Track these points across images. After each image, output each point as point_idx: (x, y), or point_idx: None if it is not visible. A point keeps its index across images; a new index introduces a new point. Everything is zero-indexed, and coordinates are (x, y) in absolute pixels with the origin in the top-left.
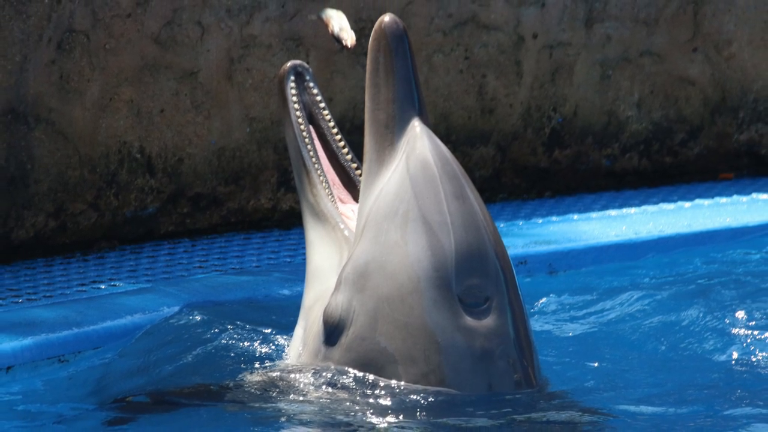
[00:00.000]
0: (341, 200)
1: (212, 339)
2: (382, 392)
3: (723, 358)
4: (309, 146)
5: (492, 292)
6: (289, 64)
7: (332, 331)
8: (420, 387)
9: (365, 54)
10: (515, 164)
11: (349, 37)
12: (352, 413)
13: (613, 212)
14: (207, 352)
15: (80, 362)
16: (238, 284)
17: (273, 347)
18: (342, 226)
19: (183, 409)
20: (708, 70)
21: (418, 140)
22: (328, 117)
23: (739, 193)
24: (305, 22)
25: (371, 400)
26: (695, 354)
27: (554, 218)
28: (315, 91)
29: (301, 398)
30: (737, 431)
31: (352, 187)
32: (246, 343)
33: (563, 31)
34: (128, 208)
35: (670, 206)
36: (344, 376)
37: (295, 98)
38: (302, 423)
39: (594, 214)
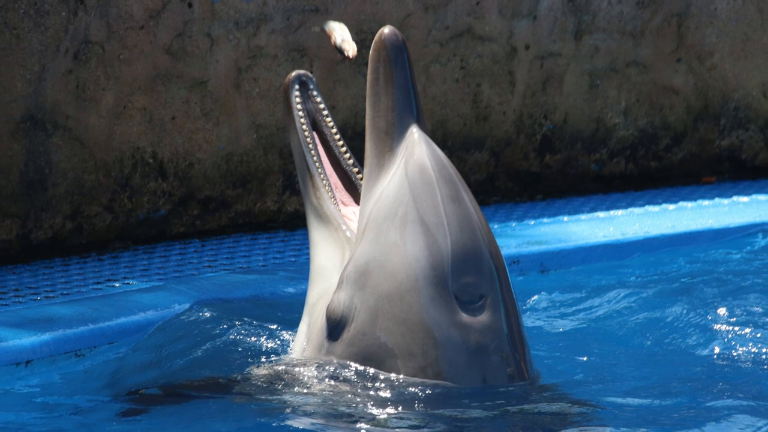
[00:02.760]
0: (343, 203)
1: (221, 334)
2: (382, 385)
3: (705, 352)
4: (313, 151)
5: (486, 289)
6: (293, 73)
7: (335, 326)
8: (418, 380)
9: (366, 64)
10: (508, 169)
11: (350, 48)
12: (354, 405)
13: (601, 214)
14: (216, 347)
15: (96, 356)
16: (246, 282)
17: (278, 342)
18: (344, 228)
19: (193, 401)
20: (691, 79)
21: (416, 146)
22: (331, 124)
23: (721, 196)
24: (309, 34)
25: (372, 393)
26: (679, 349)
27: (545, 220)
28: (318, 99)
29: (305, 390)
30: (719, 422)
31: (353, 190)
32: (253, 339)
33: (554, 43)
34: (141, 210)
35: (655, 209)
36: (346, 370)
37: (299, 106)
38: (306, 414)
39: (583, 216)
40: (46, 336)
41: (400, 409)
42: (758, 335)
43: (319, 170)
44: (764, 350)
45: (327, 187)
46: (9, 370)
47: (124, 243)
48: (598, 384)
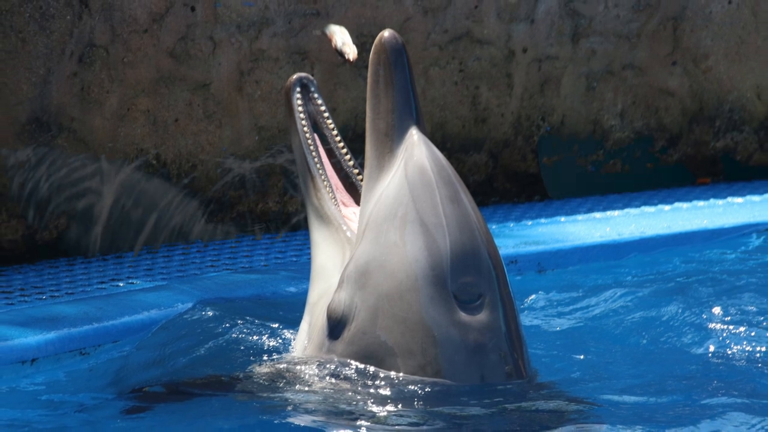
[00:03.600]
0: (344, 203)
1: (223, 333)
2: (382, 383)
3: (700, 350)
4: (314, 153)
5: (485, 289)
6: (295, 76)
7: (335, 325)
8: (417, 378)
9: (366, 67)
10: (506, 170)
11: (351, 51)
12: (354, 402)
13: (597, 215)
14: (218, 345)
15: (100, 355)
16: (248, 282)
17: (280, 341)
18: (344, 228)
19: (196, 398)
20: (686, 82)
21: (416, 147)
22: (332, 126)
23: (716, 197)
24: (310, 37)
25: (372, 390)
26: (674, 347)
27: (543, 220)
28: (319, 101)
29: (306, 388)
30: (714, 419)
31: (354, 191)
32: (255, 337)
33: (551, 46)
34: None
35: (651, 209)
36: (347, 368)
37: (300, 108)
38: (307, 411)
39: (580, 217)
40: (51, 335)
41: (399, 406)
42: (752, 334)
43: (320, 171)
44: (758, 348)
45: (328, 188)
46: (15, 368)
47: None
48: (594, 382)
